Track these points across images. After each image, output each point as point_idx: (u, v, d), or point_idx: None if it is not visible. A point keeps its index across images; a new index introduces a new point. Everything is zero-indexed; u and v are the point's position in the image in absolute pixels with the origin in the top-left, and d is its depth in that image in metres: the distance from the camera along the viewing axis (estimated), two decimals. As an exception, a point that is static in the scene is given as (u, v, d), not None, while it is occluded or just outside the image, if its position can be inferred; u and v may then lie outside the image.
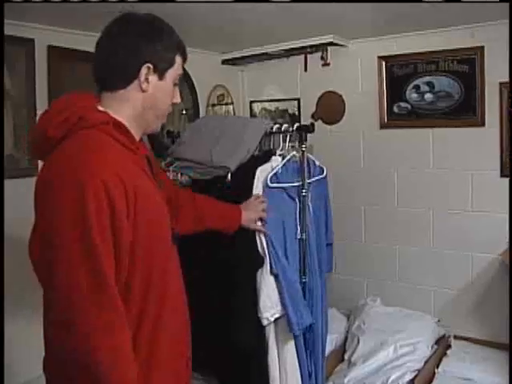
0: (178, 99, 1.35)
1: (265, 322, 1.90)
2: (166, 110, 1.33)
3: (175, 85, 1.33)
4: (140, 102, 1.25)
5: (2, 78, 2.11)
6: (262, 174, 1.98)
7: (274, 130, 2.14)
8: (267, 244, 1.93)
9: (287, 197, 2.04)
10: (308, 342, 2.17)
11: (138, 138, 1.29)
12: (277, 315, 1.92)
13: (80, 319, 1.03)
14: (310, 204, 2.11)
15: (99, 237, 1.04)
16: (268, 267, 1.93)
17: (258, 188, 1.97)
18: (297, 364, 2.07)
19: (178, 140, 2.34)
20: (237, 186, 2.04)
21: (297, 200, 2.06)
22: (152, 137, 2.71)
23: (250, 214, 1.87)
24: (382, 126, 2.98)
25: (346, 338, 2.85)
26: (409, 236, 2.98)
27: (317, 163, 2.21)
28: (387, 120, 2.96)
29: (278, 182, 1.98)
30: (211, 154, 2.11)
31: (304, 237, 2.08)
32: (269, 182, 1.95)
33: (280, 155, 2.07)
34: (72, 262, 1.03)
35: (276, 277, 1.94)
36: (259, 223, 1.92)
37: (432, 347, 2.64)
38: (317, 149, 2.82)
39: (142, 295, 1.17)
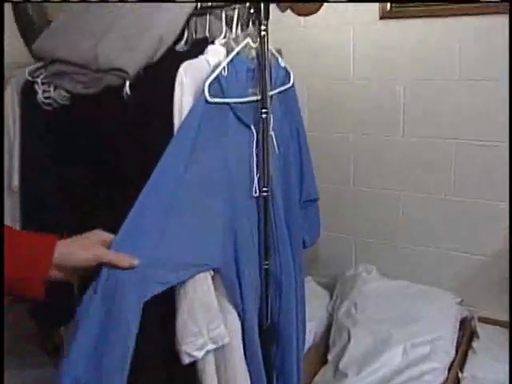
0: None
1: (186, 361, 1.10)
2: None
3: None
4: None
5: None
6: (191, 74, 1.10)
7: (211, 4, 1.25)
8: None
9: (237, 121, 1.18)
10: (275, 360, 1.41)
11: None
12: (210, 347, 1.12)
13: None
14: (273, 134, 1.27)
15: None
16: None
17: (183, 104, 1.09)
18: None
19: (48, 28, 1.43)
20: (144, 106, 1.18)
21: (253, 128, 1.21)
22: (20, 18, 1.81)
23: (79, 247, 0.87)
24: (383, 16, 2.09)
25: (329, 326, 2.11)
26: (419, 177, 2.17)
27: (281, 63, 1.36)
28: (390, 7, 2.07)
29: (222, 96, 1.11)
30: (96, 49, 1.23)
31: (266, 193, 1.25)
32: (206, 92, 1.07)
33: (223, 45, 1.19)
34: None
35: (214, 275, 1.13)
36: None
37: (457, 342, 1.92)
38: (284, 51, 1.94)
39: None
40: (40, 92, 1.40)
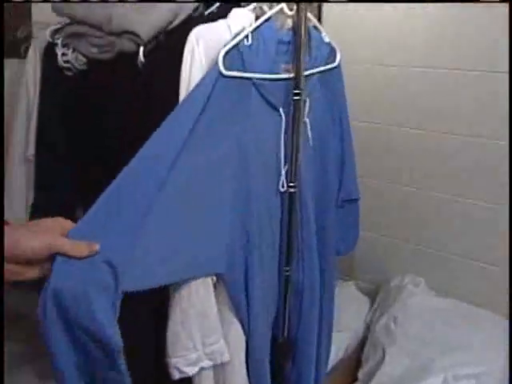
0: None
1: (176, 376, 0.94)
2: None
3: None
4: None
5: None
6: (206, 40, 0.92)
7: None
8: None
9: (261, 101, 1.00)
10: (290, 378, 1.24)
11: None
12: (205, 364, 0.96)
13: None
14: (307, 121, 1.08)
15: None
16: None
17: (191, 77, 0.92)
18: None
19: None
20: (159, 76, 1.03)
21: (281, 111, 1.02)
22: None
23: (28, 235, 0.70)
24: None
25: (364, 339, 1.90)
26: (485, 181, 1.89)
27: (325, 38, 1.15)
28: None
29: (242, 69, 0.93)
30: (111, 11, 1.09)
31: (294, 189, 1.07)
32: (221, 63, 0.90)
33: (253, 10, 1.00)
34: None
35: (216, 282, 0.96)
36: None
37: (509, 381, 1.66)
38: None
39: None
40: (59, 54, 1.28)
